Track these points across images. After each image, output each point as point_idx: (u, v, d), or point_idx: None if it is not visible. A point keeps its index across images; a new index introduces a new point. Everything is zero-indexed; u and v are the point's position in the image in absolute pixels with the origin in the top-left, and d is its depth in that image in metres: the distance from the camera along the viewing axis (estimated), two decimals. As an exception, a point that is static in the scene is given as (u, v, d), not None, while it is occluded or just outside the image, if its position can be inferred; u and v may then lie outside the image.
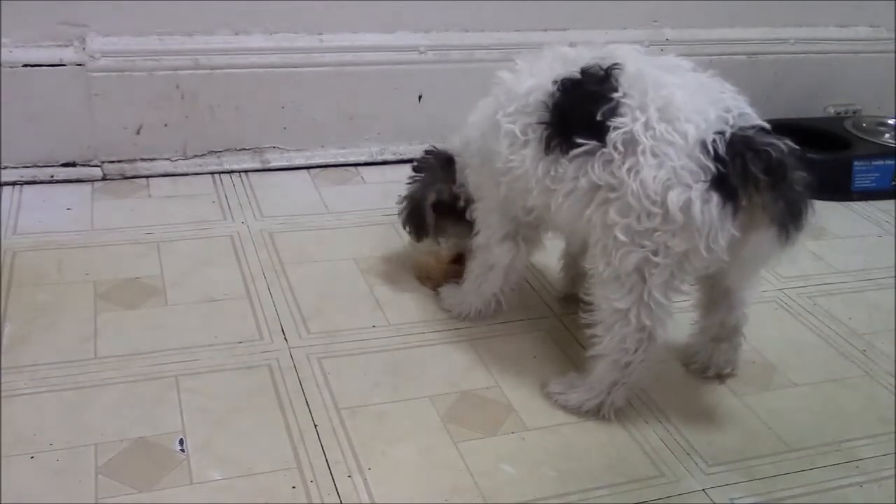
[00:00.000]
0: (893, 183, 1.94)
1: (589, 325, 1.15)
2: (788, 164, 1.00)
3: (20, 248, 1.47)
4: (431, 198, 1.35)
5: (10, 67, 1.61)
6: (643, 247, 1.05)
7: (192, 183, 1.75)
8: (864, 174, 1.92)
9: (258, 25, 1.75)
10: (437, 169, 1.36)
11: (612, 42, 1.15)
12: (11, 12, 1.60)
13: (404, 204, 1.38)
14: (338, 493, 1.03)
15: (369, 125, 1.88)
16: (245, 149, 1.82)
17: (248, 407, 1.16)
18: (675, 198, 1.01)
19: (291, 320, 1.34)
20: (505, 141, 1.15)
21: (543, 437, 1.15)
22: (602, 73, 1.08)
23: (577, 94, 1.09)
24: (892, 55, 2.19)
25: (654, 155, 1.02)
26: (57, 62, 1.64)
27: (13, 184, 1.67)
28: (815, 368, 1.33)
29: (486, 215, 1.28)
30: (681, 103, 1.03)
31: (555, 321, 1.39)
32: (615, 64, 1.08)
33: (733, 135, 1.01)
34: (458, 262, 1.40)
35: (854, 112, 2.21)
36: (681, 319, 1.22)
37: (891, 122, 2.08)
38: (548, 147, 1.10)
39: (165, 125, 1.74)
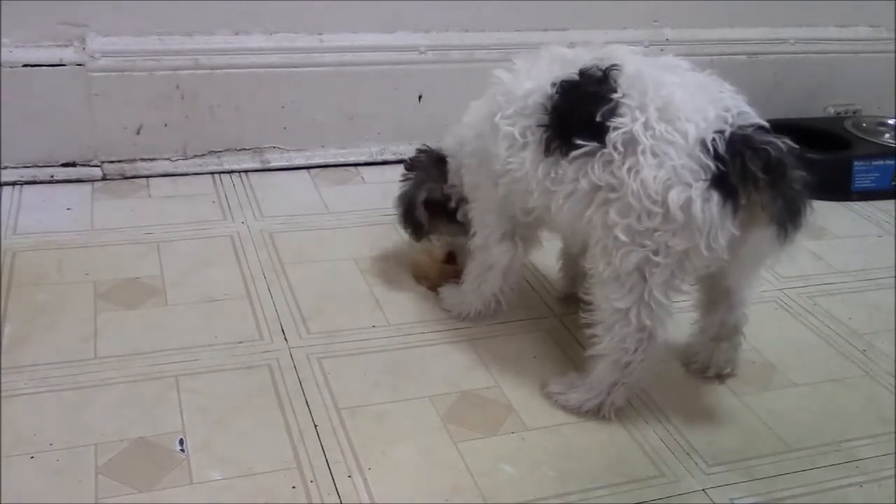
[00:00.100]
0: (893, 183, 1.94)
1: (589, 325, 1.15)
2: (787, 163, 1.00)
3: (20, 248, 1.47)
4: (422, 196, 1.36)
5: (10, 67, 1.61)
6: (644, 246, 1.05)
7: (192, 183, 1.75)
8: (864, 174, 1.91)
9: (258, 25, 1.75)
10: (428, 168, 1.36)
11: (611, 42, 1.15)
12: (11, 12, 1.60)
13: (399, 204, 1.39)
14: (338, 493, 1.03)
15: (369, 125, 1.88)
16: (245, 149, 1.82)
17: (248, 407, 1.16)
18: (675, 197, 1.01)
19: (291, 320, 1.34)
20: (504, 143, 1.15)
21: (543, 437, 1.15)
22: (601, 73, 1.08)
23: (576, 96, 1.09)
24: (892, 55, 2.19)
25: (655, 154, 1.02)
26: (57, 62, 1.64)
27: (13, 184, 1.67)
28: (815, 368, 1.33)
29: (483, 215, 1.28)
30: (680, 103, 1.03)
31: (555, 321, 1.39)
32: (614, 64, 1.08)
33: (733, 133, 1.02)
34: (450, 262, 1.40)
35: (854, 112, 2.20)
36: (681, 319, 1.22)
37: (891, 122, 2.08)
38: (547, 149, 1.10)
39: (165, 125, 1.74)
